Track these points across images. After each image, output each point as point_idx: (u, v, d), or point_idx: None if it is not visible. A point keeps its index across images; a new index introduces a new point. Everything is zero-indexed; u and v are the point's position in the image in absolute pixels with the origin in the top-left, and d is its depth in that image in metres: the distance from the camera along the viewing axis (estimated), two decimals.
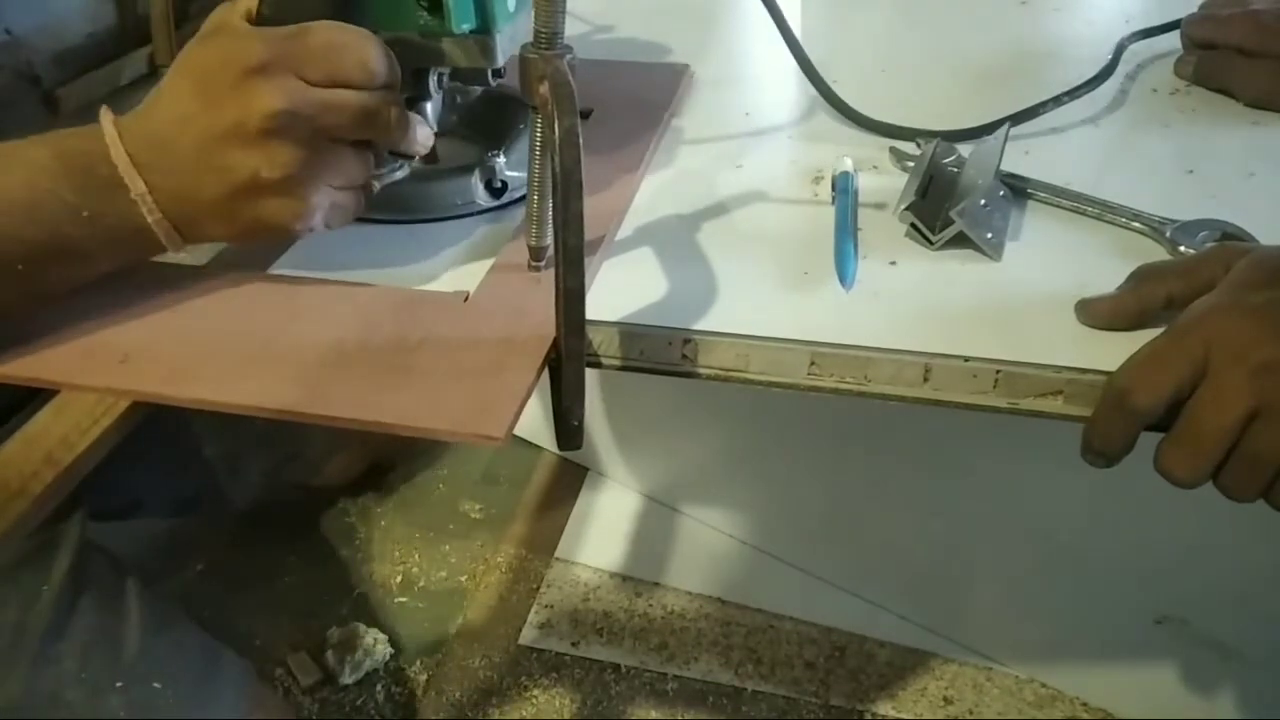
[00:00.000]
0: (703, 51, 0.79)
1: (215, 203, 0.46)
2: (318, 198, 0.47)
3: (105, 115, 0.46)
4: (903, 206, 0.54)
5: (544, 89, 0.45)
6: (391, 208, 0.58)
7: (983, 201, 0.53)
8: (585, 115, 0.67)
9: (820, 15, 0.88)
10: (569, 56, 0.46)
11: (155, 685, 0.66)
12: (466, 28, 0.52)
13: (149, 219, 0.46)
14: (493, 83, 0.57)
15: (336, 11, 0.48)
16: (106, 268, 0.48)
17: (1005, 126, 0.60)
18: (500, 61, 0.54)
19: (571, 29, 0.55)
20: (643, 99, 0.70)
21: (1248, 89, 0.68)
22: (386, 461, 1.36)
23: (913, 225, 0.54)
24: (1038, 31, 0.83)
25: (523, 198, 0.60)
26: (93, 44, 0.85)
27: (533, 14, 0.46)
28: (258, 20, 0.48)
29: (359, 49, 0.46)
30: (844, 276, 0.51)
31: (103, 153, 0.45)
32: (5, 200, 0.44)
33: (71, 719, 0.62)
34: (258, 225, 0.47)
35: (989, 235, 0.53)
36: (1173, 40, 0.75)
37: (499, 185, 0.59)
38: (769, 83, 0.76)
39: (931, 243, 0.53)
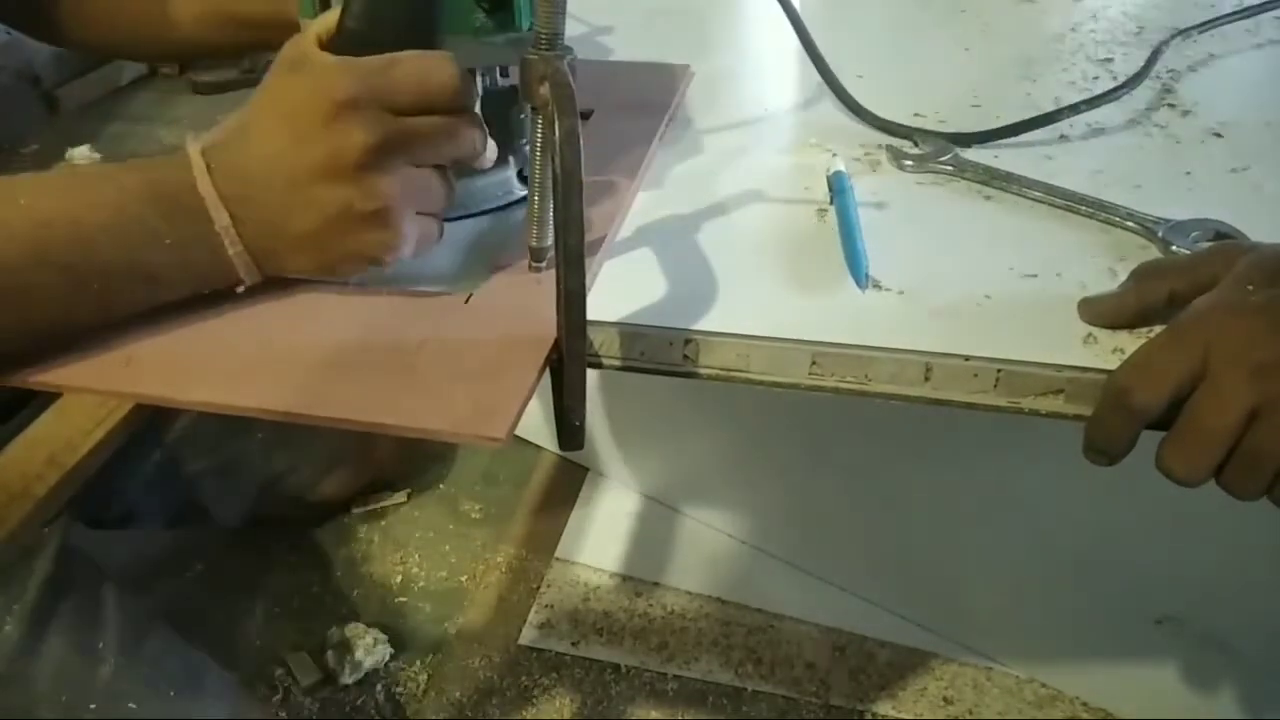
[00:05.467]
0: (703, 51, 0.79)
1: (304, 236, 0.47)
2: (409, 226, 0.48)
3: (192, 146, 0.46)
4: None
5: (544, 90, 0.45)
6: None
7: None
8: (585, 116, 0.67)
9: (819, 13, 0.88)
10: (569, 57, 0.46)
11: (131, 705, 0.65)
12: (528, 25, 0.52)
13: (230, 250, 0.46)
14: (502, 81, 0.57)
15: (416, 23, 0.49)
16: (179, 294, 0.48)
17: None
18: None
19: (571, 29, 0.55)
20: (643, 99, 0.70)
21: None
22: (386, 478, 1.35)
23: None
24: (1039, 31, 0.83)
25: None
26: None
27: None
28: (339, 40, 0.48)
29: (442, 74, 0.47)
30: (858, 276, 0.51)
31: (190, 183, 0.45)
32: (93, 220, 0.44)
33: None
34: (348, 257, 0.48)
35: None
36: (1192, 45, 0.74)
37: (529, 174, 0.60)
38: (769, 82, 0.76)
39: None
